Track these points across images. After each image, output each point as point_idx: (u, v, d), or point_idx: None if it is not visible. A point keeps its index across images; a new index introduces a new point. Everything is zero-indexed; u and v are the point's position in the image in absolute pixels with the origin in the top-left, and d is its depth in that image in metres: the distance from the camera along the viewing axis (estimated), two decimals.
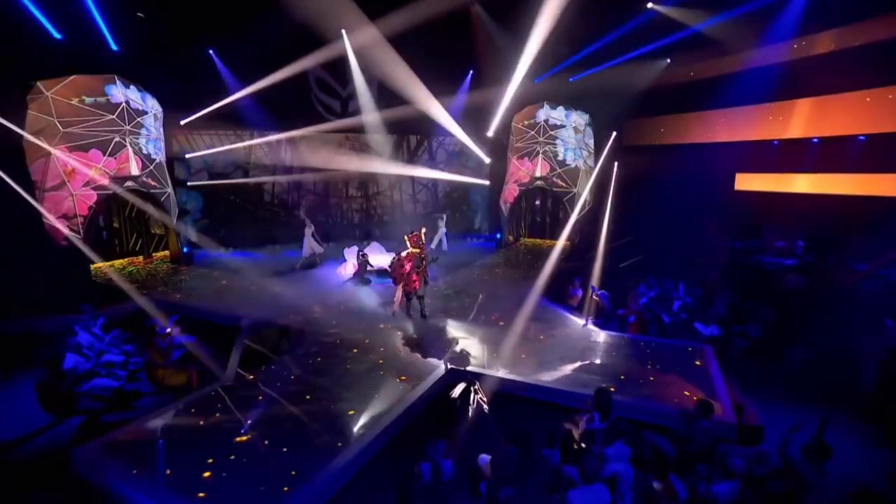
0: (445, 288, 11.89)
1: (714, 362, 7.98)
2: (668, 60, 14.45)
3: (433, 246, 14.12)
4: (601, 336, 9.38)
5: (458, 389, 7.00)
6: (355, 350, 8.48)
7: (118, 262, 13.98)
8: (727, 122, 12.85)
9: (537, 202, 17.79)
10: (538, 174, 15.81)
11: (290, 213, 16.43)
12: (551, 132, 15.91)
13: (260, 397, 7.03)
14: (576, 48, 14.17)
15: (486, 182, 17.75)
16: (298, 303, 10.15)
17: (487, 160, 17.48)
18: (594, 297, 10.48)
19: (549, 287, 11.51)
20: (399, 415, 6.63)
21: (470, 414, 6.83)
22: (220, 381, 7.59)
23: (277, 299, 10.25)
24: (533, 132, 16.10)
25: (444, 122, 15.25)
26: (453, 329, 9.28)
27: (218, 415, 6.61)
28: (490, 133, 16.43)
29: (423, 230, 9.72)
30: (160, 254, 14.77)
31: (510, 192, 16.66)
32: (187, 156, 15.33)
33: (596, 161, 16.14)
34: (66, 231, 12.02)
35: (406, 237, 9.42)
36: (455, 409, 6.78)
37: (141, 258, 14.45)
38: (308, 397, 6.94)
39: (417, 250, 8.99)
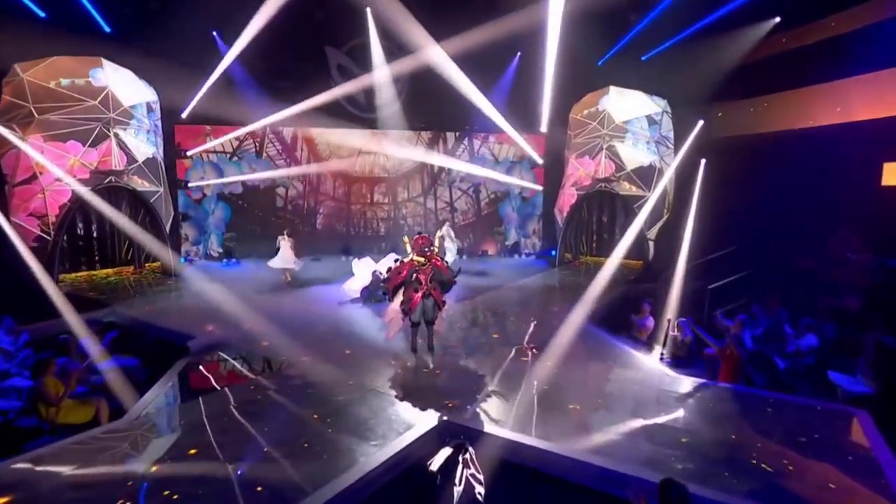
0: (470, 311, 9.77)
1: (880, 439, 5.05)
2: (777, 19, 11.59)
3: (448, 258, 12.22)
4: (680, 383, 6.72)
5: (441, 458, 4.61)
6: (312, 389, 6.39)
7: (103, 272, 12.81)
8: (868, 92, 9.68)
9: (604, 218, 15.08)
10: (602, 175, 13.78)
11: (305, 221, 15.25)
12: (618, 123, 13.65)
13: (159, 448, 5.09)
14: (647, 11, 11.74)
15: (538, 187, 16.09)
16: (277, 324, 8.46)
17: (540, 160, 15.84)
18: (676, 328, 7.82)
19: (610, 314, 9.15)
20: (340, 492, 4.38)
21: (455, 498, 4.42)
22: (123, 419, 5.78)
23: (254, 318, 8.67)
24: (595, 123, 14.04)
25: (487, 114, 13.82)
26: (467, 365, 7.19)
27: (91, 467, 4.73)
28: (543, 128, 14.71)
29: (441, 234, 7.66)
30: (154, 264, 13.52)
31: (567, 198, 14.72)
32: (189, 153, 14.27)
33: (676, 157, 13.50)
34: (36, 232, 10.99)
35: (407, 239, 7.28)
36: (433, 489, 4.39)
37: (132, 268, 13.24)
38: (228, 455, 4.87)
39: (421, 259, 7.01)
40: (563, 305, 9.70)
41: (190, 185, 14.36)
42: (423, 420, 5.60)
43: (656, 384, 6.77)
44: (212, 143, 14.35)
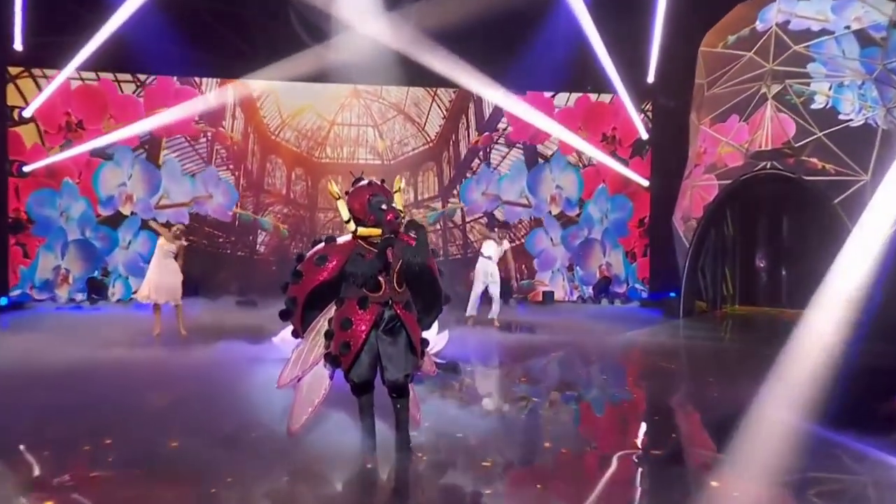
0: (515, 382, 7.68)
1: None
2: None
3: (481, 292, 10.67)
4: None
5: None
6: None
7: None
8: None
9: (768, 227, 12.76)
10: (767, 145, 11.39)
11: (238, 239, 13.63)
12: (798, 49, 11.14)
13: None
14: None
15: (643, 181, 14.12)
16: (112, 403, 6.10)
17: (644, 135, 13.95)
18: None
19: (853, 404, 6.29)
20: None
21: None
22: None
23: (65, 392, 6.44)
24: (751, 55, 11.74)
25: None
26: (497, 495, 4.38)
27: None
28: (649, 77, 13.14)
29: (402, 185, 5.08)
30: None
31: (697, 195, 12.49)
32: (25, 112, 11.94)
33: None
34: None
35: (334, 191, 4.79)
36: None
37: None
38: None
39: (373, 233, 4.52)
40: (715, 383, 7.41)
41: (26, 168, 12.11)
42: None
43: None
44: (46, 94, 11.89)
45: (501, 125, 13.91)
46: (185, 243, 9.34)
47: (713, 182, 12.02)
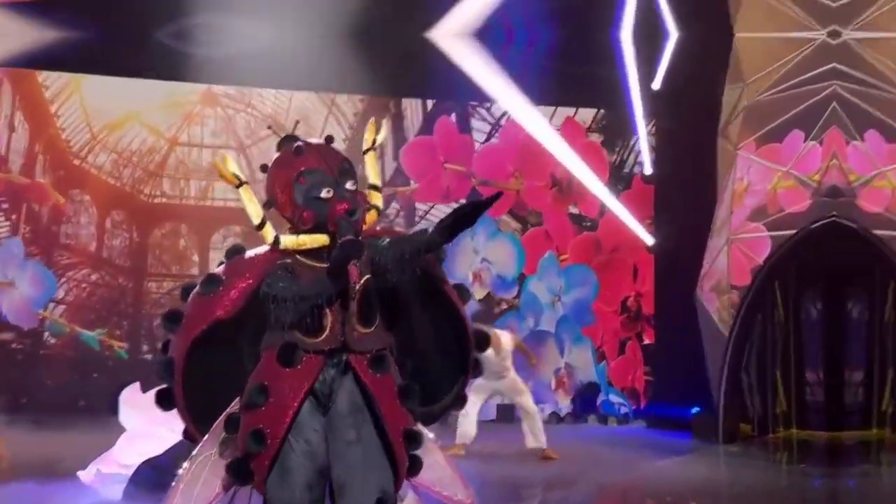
0: None
1: None
2: None
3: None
4: None
5: None
6: None
7: None
8: None
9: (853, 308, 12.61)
10: (839, 180, 10.92)
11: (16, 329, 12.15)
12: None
13: None
14: None
15: (647, 237, 12.81)
16: None
17: (648, 169, 12.99)
18: None
19: None
20: None
21: None
22: None
23: None
24: (824, 36, 11.05)
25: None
26: None
27: None
28: (656, 83, 12.04)
29: (377, 135, 2.88)
30: None
31: (740, 252, 11.41)
32: None
33: None
34: None
35: (226, 168, 2.76)
36: None
37: None
38: None
39: (311, 243, 2.69)
40: None
41: None
42: None
43: None
44: None
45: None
46: None
47: (763, 234, 10.32)
